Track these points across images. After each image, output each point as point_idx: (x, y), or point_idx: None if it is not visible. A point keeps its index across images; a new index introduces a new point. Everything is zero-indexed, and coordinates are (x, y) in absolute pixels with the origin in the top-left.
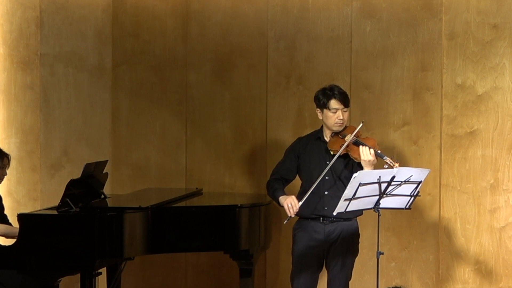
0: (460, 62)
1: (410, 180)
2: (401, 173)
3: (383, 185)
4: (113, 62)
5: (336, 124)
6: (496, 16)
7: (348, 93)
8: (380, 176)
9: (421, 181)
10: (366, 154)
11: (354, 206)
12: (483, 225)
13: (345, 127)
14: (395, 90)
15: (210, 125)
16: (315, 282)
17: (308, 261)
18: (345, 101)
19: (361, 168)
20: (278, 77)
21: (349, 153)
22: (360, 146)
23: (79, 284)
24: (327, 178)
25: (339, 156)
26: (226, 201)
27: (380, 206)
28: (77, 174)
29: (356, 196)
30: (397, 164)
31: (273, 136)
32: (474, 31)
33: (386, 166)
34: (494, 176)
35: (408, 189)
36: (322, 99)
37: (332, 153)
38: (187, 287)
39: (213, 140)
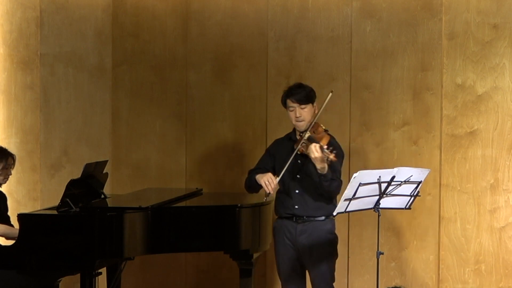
0: (460, 62)
1: (410, 180)
2: (401, 173)
3: (383, 185)
4: (113, 62)
5: (296, 123)
6: (496, 16)
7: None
8: (380, 176)
9: (421, 181)
10: (312, 151)
11: (354, 206)
12: (483, 225)
13: (313, 124)
14: (395, 90)
15: (210, 125)
16: (302, 280)
17: (290, 261)
18: (300, 98)
19: (314, 165)
20: (278, 77)
21: (304, 150)
22: (311, 144)
23: (79, 284)
24: (298, 176)
25: (306, 155)
26: (226, 201)
27: (380, 206)
28: (77, 174)
29: (356, 196)
30: (331, 156)
31: (273, 136)
32: (474, 31)
33: (326, 158)
34: (494, 176)
35: (408, 189)
36: (282, 99)
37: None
38: (187, 287)
39: (213, 140)
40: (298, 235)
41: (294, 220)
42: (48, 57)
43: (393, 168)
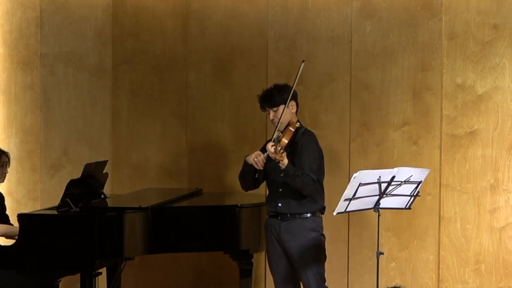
0: (460, 62)
1: (410, 180)
2: (401, 173)
3: (383, 185)
4: (113, 62)
5: (274, 124)
6: (496, 16)
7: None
8: (380, 176)
9: (421, 181)
10: (267, 149)
11: (354, 206)
12: (483, 225)
13: (290, 123)
14: (395, 90)
15: (210, 125)
16: (294, 278)
17: (280, 259)
18: (266, 103)
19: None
20: (278, 77)
21: None
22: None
23: (79, 284)
24: (282, 175)
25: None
26: (226, 201)
27: (380, 206)
28: (77, 174)
29: (356, 196)
30: (278, 156)
31: None
32: (474, 31)
33: (274, 158)
34: (494, 176)
35: (408, 189)
36: (259, 104)
37: None
38: (187, 287)
39: (213, 140)
40: (282, 233)
41: (279, 218)
42: (48, 57)
43: (393, 168)
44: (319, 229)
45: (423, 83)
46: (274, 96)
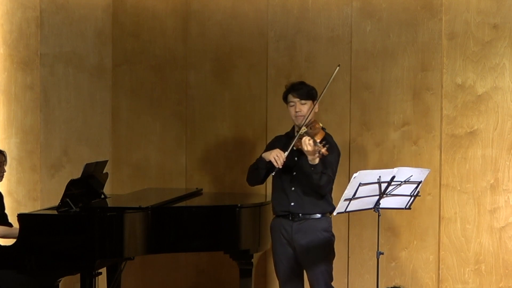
0: (460, 62)
1: (410, 180)
2: (401, 173)
3: (383, 185)
4: (113, 62)
5: (296, 118)
6: (496, 16)
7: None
8: (380, 176)
9: (421, 181)
10: (305, 144)
11: (354, 206)
12: (483, 225)
13: (311, 121)
14: (395, 90)
15: (210, 125)
16: (300, 279)
17: (288, 260)
18: (300, 93)
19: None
20: (278, 77)
21: (299, 145)
22: (305, 137)
23: (79, 284)
24: (294, 173)
25: (302, 152)
26: (226, 201)
27: (380, 206)
28: (77, 174)
29: (356, 196)
30: (323, 149)
31: (273, 136)
32: (474, 31)
33: (317, 154)
34: (494, 176)
35: (408, 189)
36: (283, 95)
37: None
38: (187, 287)
39: (213, 140)
40: (294, 233)
41: (290, 218)
42: (48, 57)
43: (393, 168)
44: (330, 229)
45: (423, 83)
46: (308, 89)
